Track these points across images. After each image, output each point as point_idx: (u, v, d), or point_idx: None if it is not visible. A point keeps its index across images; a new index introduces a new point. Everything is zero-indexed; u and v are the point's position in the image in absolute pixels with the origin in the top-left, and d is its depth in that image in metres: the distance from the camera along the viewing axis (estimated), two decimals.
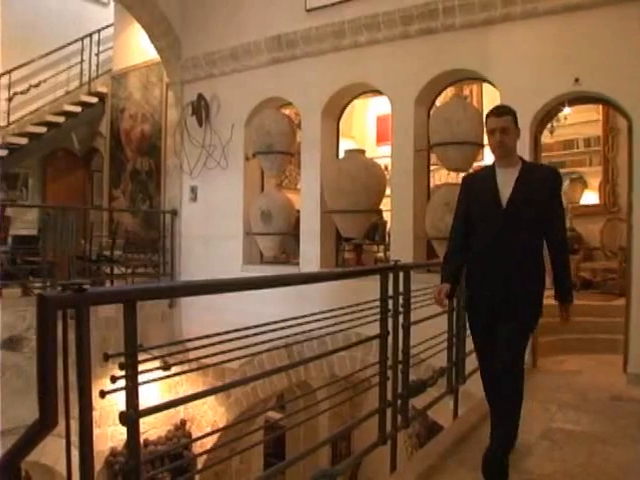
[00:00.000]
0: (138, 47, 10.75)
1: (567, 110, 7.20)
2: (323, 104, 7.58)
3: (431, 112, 7.00)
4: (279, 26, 7.83)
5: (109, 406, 6.55)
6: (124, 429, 2.08)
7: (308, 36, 7.55)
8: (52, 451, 5.06)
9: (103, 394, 1.96)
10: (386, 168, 8.03)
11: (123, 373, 2.02)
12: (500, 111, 3.45)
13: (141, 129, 10.89)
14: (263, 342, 2.73)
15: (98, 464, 7.57)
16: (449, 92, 8.02)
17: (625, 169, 9.32)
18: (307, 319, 2.95)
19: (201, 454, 6.62)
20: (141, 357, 2.08)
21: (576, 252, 9.40)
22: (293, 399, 7.99)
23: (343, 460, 9.45)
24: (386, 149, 8.42)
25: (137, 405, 2.06)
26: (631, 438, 3.97)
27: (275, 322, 2.74)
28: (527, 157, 5.96)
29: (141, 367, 2.07)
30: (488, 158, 7.21)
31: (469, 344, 3.81)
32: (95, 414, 1.92)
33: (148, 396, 2.24)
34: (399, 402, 3.81)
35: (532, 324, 3.41)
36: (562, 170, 10.83)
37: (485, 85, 8.12)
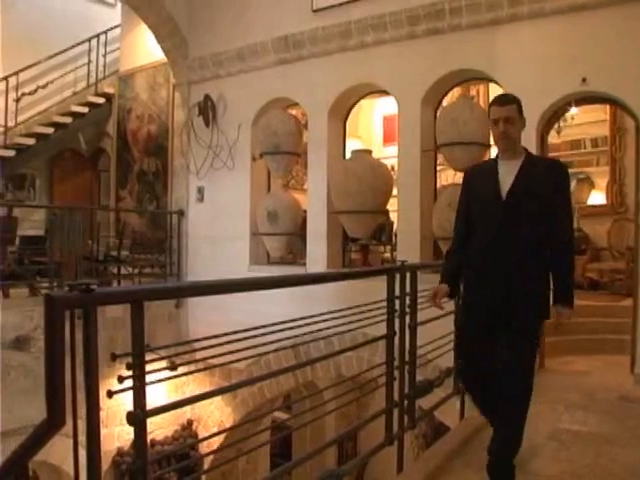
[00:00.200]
0: (145, 48, 10.78)
1: (574, 110, 7.19)
2: (330, 104, 7.58)
3: (438, 112, 6.99)
4: (286, 27, 7.83)
5: (116, 406, 6.55)
6: (131, 429, 2.08)
7: (315, 36, 7.55)
8: (59, 450, 5.06)
9: (110, 394, 1.96)
10: (393, 168, 8.02)
11: (130, 373, 2.02)
12: (503, 100, 3.30)
13: (148, 130, 10.92)
14: (270, 342, 2.73)
15: (105, 464, 7.59)
16: (456, 92, 8.01)
17: (632, 169, 9.30)
18: (314, 319, 2.95)
19: (208, 454, 6.62)
20: (148, 357, 2.08)
21: (583, 253, 9.37)
22: (300, 399, 7.99)
23: (350, 460, 9.45)
24: (393, 149, 8.42)
25: (144, 405, 2.07)
26: (639, 439, 3.96)
27: (282, 322, 2.74)
28: None
29: (148, 367, 2.08)
30: None
31: None
32: (102, 414, 1.93)
33: (155, 396, 2.25)
34: (406, 402, 3.80)
35: (537, 327, 3.23)
36: (569, 170, 10.85)
37: (492, 85, 8.10)
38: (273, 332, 2.68)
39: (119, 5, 11.65)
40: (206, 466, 7.03)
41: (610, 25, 5.69)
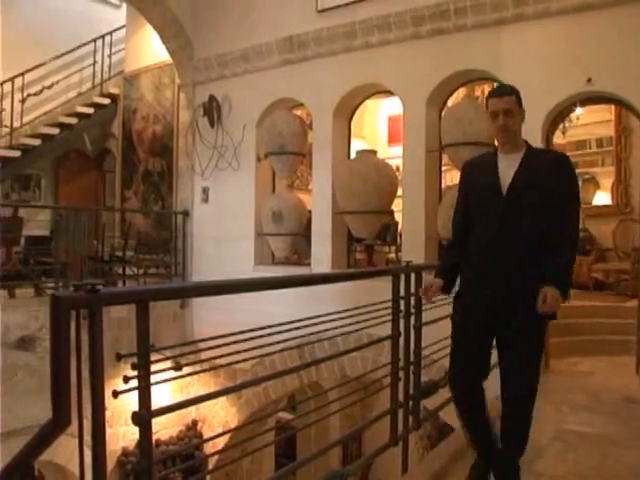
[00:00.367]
0: (150, 49, 10.80)
1: (579, 110, 7.18)
2: (334, 105, 7.58)
3: (443, 113, 6.99)
4: (290, 27, 7.84)
5: (121, 406, 6.57)
6: (136, 429, 2.09)
7: (319, 37, 7.56)
8: (64, 450, 5.09)
9: (116, 394, 1.96)
10: (397, 169, 8.02)
11: (136, 373, 2.03)
12: (502, 91, 3.14)
13: (153, 130, 10.93)
14: (275, 343, 2.73)
15: (110, 464, 7.60)
16: (461, 92, 8.01)
17: (638, 169, 9.29)
18: (319, 320, 2.96)
19: (212, 454, 6.63)
20: (153, 357, 2.09)
21: (588, 253, 9.36)
22: (304, 400, 7.98)
23: (354, 461, 9.45)
24: (398, 150, 8.42)
25: (150, 405, 2.07)
26: None
27: (287, 323, 2.74)
28: None
29: (153, 367, 2.08)
30: None
31: None
32: (107, 414, 1.93)
33: (160, 396, 2.25)
34: (411, 403, 3.80)
35: (540, 328, 2.98)
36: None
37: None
38: (278, 332, 2.68)
39: (124, 6, 11.66)
40: (211, 466, 7.04)
41: (615, 25, 5.69)
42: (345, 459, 10.09)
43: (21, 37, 11.15)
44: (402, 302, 3.66)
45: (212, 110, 8.78)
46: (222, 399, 8.15)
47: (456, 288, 3.22)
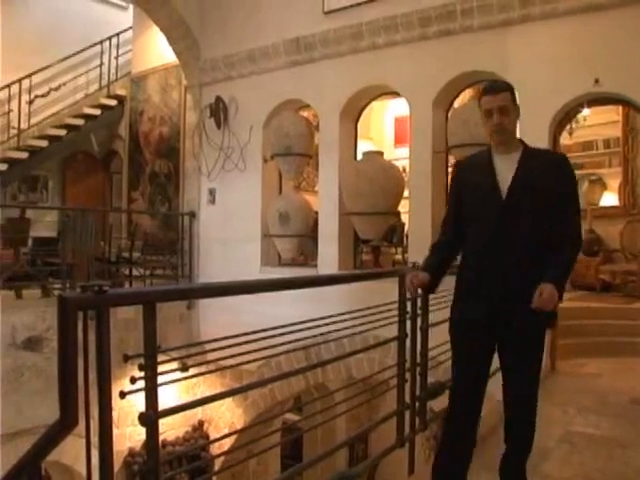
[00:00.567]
0: (157, 50, 10.82)
1: (586, 111, 7.17)
2: (341, 106, 7.58)
3: (449, 114, 6.98)
4: (297, 28, 7.84)
5: (127, 407, 6.58)
6: (142, 430, 2.09)
7: (326, 38, 7.56)
8: (71, 450, 5.09)
9: (123, 395, 1.97)
10: (404, 170, 8.01)
11: (142, 374, 2.03)
12: (496, 87, 2.95)
13: (160, 131, 10.95)
14: (281, 344, 2.73)
15: (116, 464, 7.61)
16: (467, 94, 7.99)
17: None
18: (325, 321, 2.96)
19: (219, 455, 6.63)
20: (160, 358, 2.09)
21: (596, 254, 9.34)
22: (310, 401, 7.98)
23: (360, 462, 9.44)
24: (404, 151, 8.41)
25: (156, 406, 2.07)
26: None
27: (293, 324, 2.74)
28: None
29: (160, 368, 2.08)
30: None
31: None
32: (114, 414, 1.93)
33: (166, 397, 2.25)
34: (417, 404, 3.80)
35: (542, 334, 2.90)
36: (581, 171, 10.80)
37: None
38: (284, 334, 2.69)
39: (131, 8, 11.70)
40: (217, 467, 7.05)
41: (622, 26, 5.67)
42: (351, 460, 10.09)
43: (29, 39, 11.20)
44: (409, 303, 3.66)
45: (219, 111, 8.79)
46: (228, 400, 8.15)
47: (449, 291, 3.11)
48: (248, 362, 2.55)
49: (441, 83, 6.76)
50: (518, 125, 6.10)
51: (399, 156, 9.68)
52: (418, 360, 3.79)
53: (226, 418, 8.53)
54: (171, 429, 8.43)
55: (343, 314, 3.13)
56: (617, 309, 7.33)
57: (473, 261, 2.94)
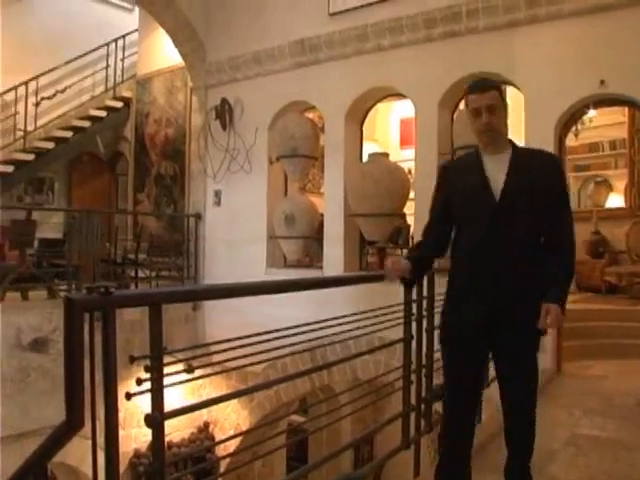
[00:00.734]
0: (162, 52, 10.84)
1: (592, 112, 7.15)
2: (346, 108, 7.59)
3: (455, 115, 6.97)
4: (302, 30, 7.85)
5: (133, 408, 6.58)
6: (148, 431, 2.09)
7: (331, 40, 7.57)
8: (76, 452, 5.10)
9: (129, 396, 1.97)
10: (410, 171, 8.01)
11: (148, 376, 2.03)
12: (483, 85, 2.81)
13: (165, 133, 10.97)
14: (286, 345, 2.73)
15: (122, 465, 7.62)
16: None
17: None
18: (330, 322, 2.95)
19: (224, 457, 6.63)
20: (165, 360, 2.09)
21: (601, 256, 9.31)
22: (316, 403, 7.99)
23: (366, 464, 9.43)
24: (410, 152, 8.40)
25: (162, 407, 2.07)
26: None
27: (298, 326, 2.74)
28: None
29: (166, 370, 2.08)
30: None
31: None
32: (119, 416, 1.93)
33: (172, 399, 2.26)
34: (423, 406, 3.79)
35: (537, 344, 2.83)
36: (587, 173, 10.81)
37: (509, 88, 8.06)
38: (289, 335, 2.68)
39: (137, 10, 11.73)
40: (222, 469, 7.05)
41: (628, 27, 5.67)
42: (357, 462, 10.07)
43: (35, 41, 11.24)
44: (414, 305, 3.66)
45: (224, 113, 8.80)
46: (234, 402, 8.16)
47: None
48: (254, 364, 2.55)
49: (446, 84, 6.76)
50: (523, 126, 6.11)
51: (405, 158, 9.67)
52: (424, 362, 3.78)
53: (232, 420, 8.53)
54: (177, 430, 8.43)
55: (349, 316, 3.13)
56: (623, 311, 7.31)
57: (465, 263, 2.83)
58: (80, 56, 11.78)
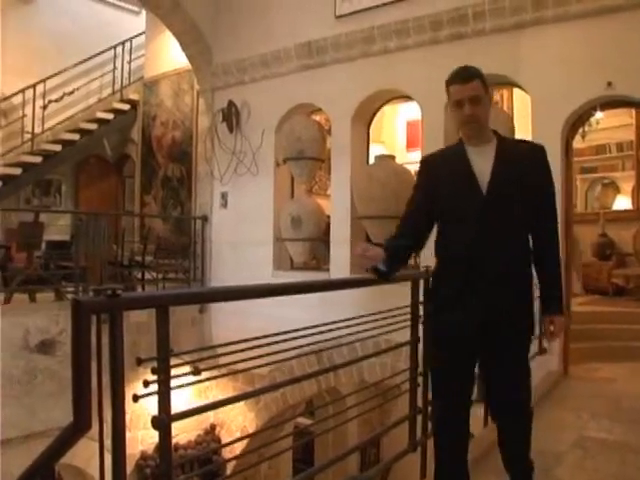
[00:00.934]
0: (169, 55, 10.87)
1: (599, 114, 7.13)
2: (353, 110, 7.59)
3: None
4: (309, 33, 7.86)
5: (139, 410, 6.59)
6: (154, 433, 2.09)
7: (338, 42, 7.57)
8: (83, 453, 5.11)
9: (136, 398, 1.97)
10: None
11: (156, 378, 2.03)
12: (465, 75, 2.66)
13: (172, 136, 11.00)
14: (293, 348, 2.73)
15: (129, 467, 7.62)
16: None
17: None
18: (337, 325, 2.95)
19: (230, 459, 6.64)
20: (172, 362, 2.09)
21: (608, 258, 9.29)
22: (322, 405, 7.98)
23: (372, 467, 9.41)
24: (416, 155, 8.40)
25: (169, 410, 2.08)
26: None
27: (305, 328, 2.74)
28: (558, 163, 5.94)
29: (173, 372, 2.09)
30: None
31: None
32: (126, 417, 1.94)
33: (179, 401, 2.26)
34: (429, 409, 3.78)
35: (529, 347, 2.78)
36: (594, 175, 10.79)
37: (516, 90, 8.06)
38: (296, 338, 2.68)
39: (144, 13, 11.77)
40: (228, 471, 7.05)
41: (635, 28, 5.64)
42: (363, 465, 10.06)
43: (42, 44, 11.30)
44: (421, 307, 3.65)
45: (231, 115, 8.81)
46: (240, 404, 8.15)
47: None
48: (260, 366, 2.55)
49: None
50: (530, 128, 6.10)
51: (411, 160, 9.65)
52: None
53: (238, 422, 8.53)
54: (183, 432, 8.44)
55: (355, 318, 3.12)
56: (631, 313, 7.30)
57: (456, 262, 2.70)
58: (87, 59, 11.83)
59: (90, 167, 12.68)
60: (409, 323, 3.55)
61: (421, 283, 3.65)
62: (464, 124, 2.68)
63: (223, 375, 2.64)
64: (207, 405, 2.46)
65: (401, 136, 11.44)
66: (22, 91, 11.03)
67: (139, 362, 2.00)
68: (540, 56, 6.18)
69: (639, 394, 5.20)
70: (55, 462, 1.93)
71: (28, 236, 8.02)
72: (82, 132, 11.63)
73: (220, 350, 2.46)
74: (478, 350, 2.71)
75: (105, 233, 7.93)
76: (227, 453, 7.30)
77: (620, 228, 9.58)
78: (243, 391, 2.97)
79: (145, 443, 7.96)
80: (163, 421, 2.07)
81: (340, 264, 7.54)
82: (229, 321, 7.91)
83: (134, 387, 1.98)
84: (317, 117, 8.55)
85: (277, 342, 2.56)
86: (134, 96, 12.06)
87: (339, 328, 2.97)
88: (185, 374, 2.21)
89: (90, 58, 11.88)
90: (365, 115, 7.80)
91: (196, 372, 2.26)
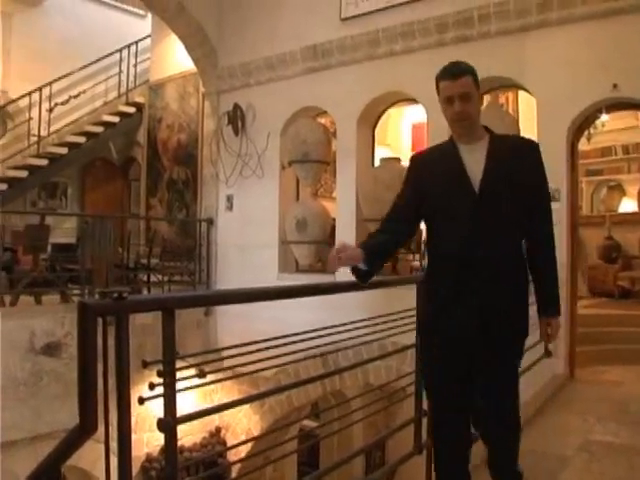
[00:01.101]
0: (175, 58, 10.89)
1: (605, 117, 7.11)
2: (358, 113, 7.59)
3: None
4: (314, 36, 7.87)
5: (145, 412, 6.59)
6: (160, 435, 2.09)
7: (343, 45, 7.58)
8: (89, 455, 5.12)
9: (142, 401, 1.97)
10: None
11: (161, 380, 2.03)
12: (455, 71, 2.66)
13: (178, 139, 11.02)
14: (298, 351, 2.73)
15: (134, 469, 7.60)
16: (485, 99, 7.97)
17: None
18: (342, 328, 2.95)
19: (235, 462, 6.63)
20: (178, 364, 2.10)
21: (614, 261, 9.26)
22: (328, 408, 7.97)
23: (377, 470, 9.40)
24: None
25: (175, 412, 2.08)
26: None
27: (310, 331, 2.74)
28: (564, 165, 5.93)
29: (178, 374, 2.09)
30: None
31: None
32: (132, 420, 1.94)
33: (184, 403, 2.26)
34: None
35: (521, 355, 2.68)
36: (600, 178, 10.77)
37: (521, 92, 8.05)
38: (301, 341, 2.68)
39: (149, 16, 11.79)
40: (234, 474, 7.05)
41: (639, 30, 5.63)
42: (368, 468, 10.04)
43: (48, 47, 11.34)
44: None
45: (236, 118, 8.83)
46: (245, 407, 8.16)
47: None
48: (265, 369, 2.55)
49: None
50: (535, 131, 6.09)
51: None
52: None
53: (243, 424, 8.53)
54: (188, 435, 8.45)
55: (360, 321, 3.12)
56: (637, 316, 7.27)
57: (447, 259, 2.61)
58: (93, 62, 11.86)
59: (96, 170, 12.70)
60: (414, 326, 3.54)
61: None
62: (454, 121, 2.61)
63: (228, 378, 2.64)
64: (212, 408, 2.46)
65: (406, 139, 11.42)
66: (28, 94, 11.06)
67: (145, 365, 2.00)
68: (545, 58, 6.17)
69: None
70: (61, 464, 1.93)
71: (34, 239, 8.05)
72: (88, 135, 11.65)
73: (225, 353, 2.46)
74: (476, 351, 2.59)
75: (111, 236, 7.95)
76: (232, 456, 7.29)
77: (626, 231, 9.56)
78: (248, 394, 2.97)
79: (150, 445, 7.97)
80: (168, 424, 2.07)
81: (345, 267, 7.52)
82: (234, 324, 7.91)
83: (140, 389, 1.98)
84: (322, 120, 8.55)
85: (282, 345, 2.56)
86: (140, 99, 12.09)
87: (345, 331, 2.97)
88: (190, 377, 2.22)
89: (96, 61, 11.91)
90: (370, 118, 7.81)
91: (201, 375, 2.26)
